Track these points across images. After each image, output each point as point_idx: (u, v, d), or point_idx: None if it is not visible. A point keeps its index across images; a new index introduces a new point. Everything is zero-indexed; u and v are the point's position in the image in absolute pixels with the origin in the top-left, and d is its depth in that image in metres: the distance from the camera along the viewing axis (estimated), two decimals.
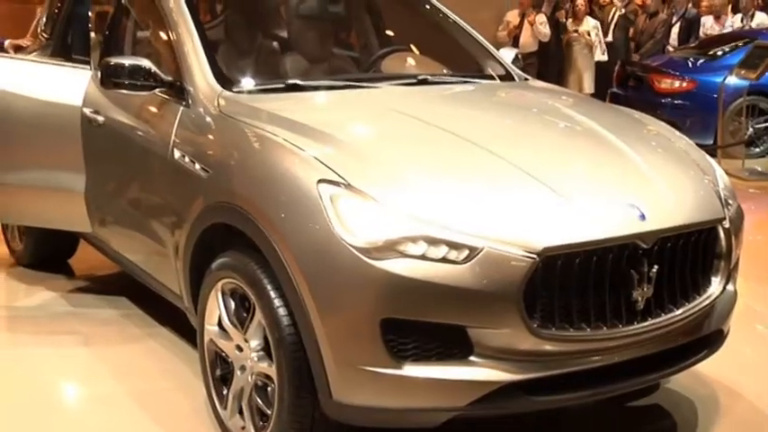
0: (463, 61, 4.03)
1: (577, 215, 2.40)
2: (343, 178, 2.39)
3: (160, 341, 3.65)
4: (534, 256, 2.25)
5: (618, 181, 2.66)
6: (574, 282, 2.32)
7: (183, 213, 2.97)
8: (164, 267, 3.24)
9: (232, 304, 2.73)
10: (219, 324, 2.79)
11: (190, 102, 3.07)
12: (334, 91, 3.29)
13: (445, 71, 3.87)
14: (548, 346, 2.32)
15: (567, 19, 9.61)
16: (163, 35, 3.51)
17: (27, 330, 3.83)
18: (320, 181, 2.39)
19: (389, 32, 4.42)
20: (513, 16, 9.20)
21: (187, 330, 3.30)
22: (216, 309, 2.78)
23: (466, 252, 2.26)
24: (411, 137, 2.80)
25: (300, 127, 2.71)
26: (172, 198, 3.09)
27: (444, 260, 2.25)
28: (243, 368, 2.69)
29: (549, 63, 9.39)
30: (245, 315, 2.66)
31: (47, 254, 4.55)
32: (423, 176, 2.49)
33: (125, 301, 4.11)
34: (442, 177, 2.50)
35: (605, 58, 9.73)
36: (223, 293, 2.75)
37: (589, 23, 9.49)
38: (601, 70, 9.70)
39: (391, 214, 2.31)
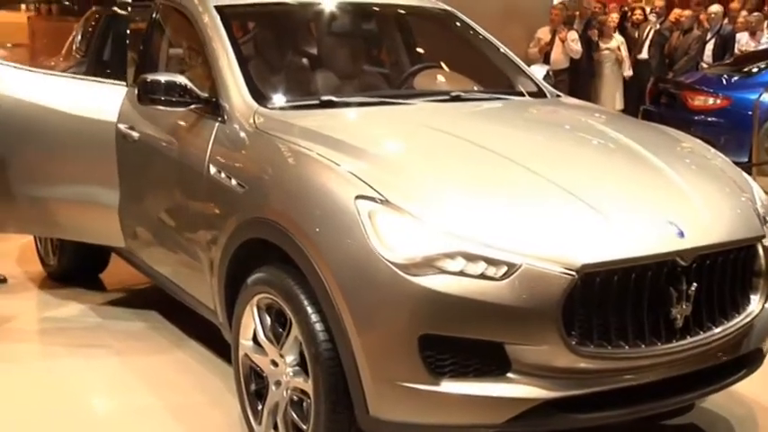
0: (495, 78, 4.08)
1: (616, 232, 2.42)
2: (380, 194, 2.43)
3: (192, 355, 3.71)
4: (573, 272, 2.28)
5: (656, 198, 2.69)
6: (612, 299, 2.34)
7: (218, 228, 3.02)
8: (198, 282, 3.29)
9: (268, 319, 2.77)
10: (254, 339, 2.83)
11: (225, 118, 3.13)
12: (368, 107, 3.36)
13: (478, 88, 3.92)
14: (586, 364, 2.34)
15: (597, 38, 9.65)
16: (199, 52, 3.60)
17: (60, 343, 3.89)
18: (358, 197, 2.43)
19: (421, 50, 4.47)
20: (544, 33, 9.25)
21: (219, 345, 3.36)
22: (251, 324, 2.83)
23: (504, 268, 2.29)
24: (447, 153, 2.84)
25: (337, 143, 2.76)
26: (207, 213, 3.14)
27: (483, 276, 2.28)
28: (278, 383, 2.73)
29: (581, 80, 9.42)
30: (280, 330, 2.70)
31: (79, 269, 4.63)
32: (460, 192, 2.52)
33: (156, 314, 4.18)
34: (480, 193, 2.54)
35: (630, 72, 9.75)
36: (258, 308, 2.79)
37: (617, 39, 9.53)
38: (628, 87, 9.72)
39: (429, 230, 2.34)
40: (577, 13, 10.07)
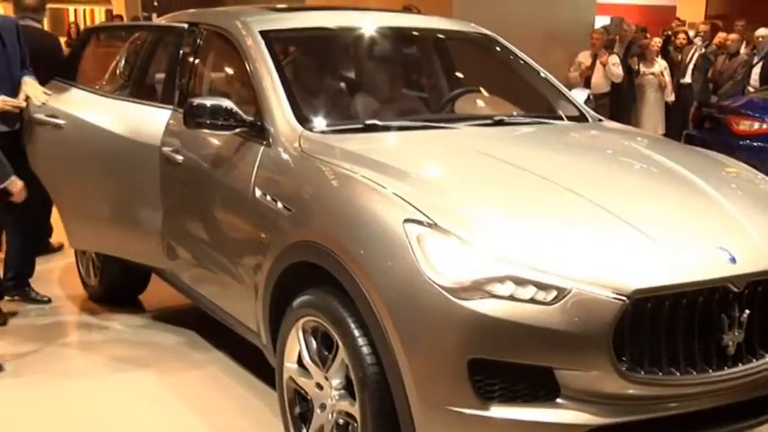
0: (536, 102, 4.13)
1: (667, 257, 2.44)
2: (429, 218, 2.48)
3: (233, 377, 3.77)
4: (624, 298, 2.30)
5: (705, 223, 2.71)
6: (663, 325, 2.36)
7: (263, 251, 3.07)
8: (241, 304, 3.35)
9: (313, 342, 2.82)
10: (299, 362, 2.88)
11: (271, 141, 3.21)
12: (412, 131, 3.40)
13: (520, 112, 3.97)
14: (635, 390, 2.35)
15: (639, 64, 9.66)
16: (243, 75, 3.69)
17: (101, 363, 3.97)
18: (406, 220, 2.48)
19: (462, 74, 4.53)
20: (585, 57, 9.27)
21: (261, 367, 3.41)
22: (296, 346, 2.88)
23: (554, 293, 2.32)
24: (493, 177, 2.88)
25: (383, 166, 2.82)
26: (252, 236, 3.20)
27: (532, 301, 2.31)
28: (323, 406, 2.77)
29: (622, 104, 9.42)
30: (326, 353, 2.75)
31: (119, 289, 4.74)
32: (508, 216, 2.56)
33: (195, 335, 4.27)
34: (528, 217, 2.58)
35: (673, 98, 9.73)
36: (304, 331, 2.84)
37: (660, 64, 9.53)
38: (670, 111, 9.70)
39: (478, 254, 2.38)
40: (617, 36, 10.09)
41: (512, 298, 2.32)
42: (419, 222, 2.47)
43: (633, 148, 3.51)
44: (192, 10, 4.67)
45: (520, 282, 2.33)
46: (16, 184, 4.04)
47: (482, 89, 4.26)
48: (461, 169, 3.01)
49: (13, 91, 4.34)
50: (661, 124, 9.62)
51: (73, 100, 4.35)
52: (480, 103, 4.22)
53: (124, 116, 4.13)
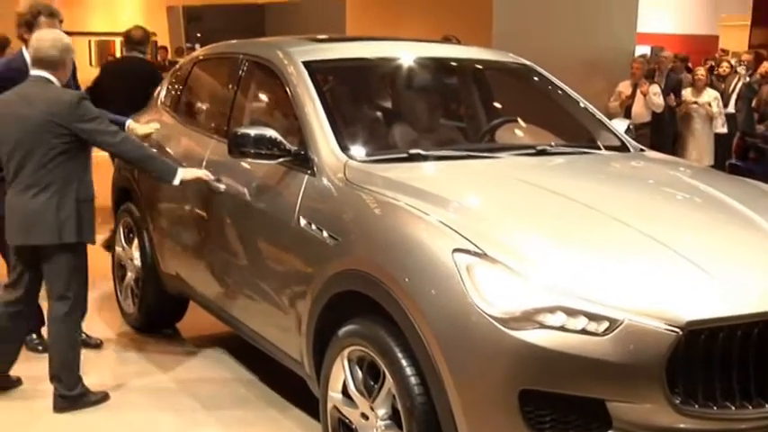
0: (577, 132, 4.17)
1: (720, 289, 2.46)
2: (478, 247, 2.52)
3: (274, 405, 3.82)
4: (677, 329, 2.32)
5: (757, 254, 2.72)
6: (718, 358, 2.37)
7: (308, 280, 3.12)
8: (283, 333, 3.40)
9: (359, 372, 2.86)
10: (344, 391, 2.92)
11: (315, 170, 3.27)
12: (456, 161, 3.45)
13: (561, 142, 3.99)
14: (689, 424, 2.36)
15: (675, 94, 9.65)
16: (285, 106, 3.77)
17: (140, 390, 4.04)
18: (455, 250, 2.52)
19: (502, 103, 4.58)
20: (625, 87, 9.29)
21: (299, 395, 3.44)
22: (341, 376, 2.92)
23: (606, 324, 2.34)
24: (540, 206, 2.92)
25: (431, 195, 2.87)
26: (296, 265, 3.25)
27: (584, 332, 2.34)
28: None
29: (663, 134, 9.41)
30: (372, 383, 2.79)
31: (157, 317, 4.81)
32: (557, 246, 2.60)
33: (235, 363, 4.33)
34: (577, 247, 2.61)
35: (725, 130, 9.68)
36: (349, 360, 2.88)
37: (710, 94, 9.51)
38: (719, 142, 9.65)
39: (528, 284, 2.42)
40: (657, 66, 10.11)
41: (563, 329, 2.34)
42: (468, 252, 2.52)
43: (678, 178, 3.54)
44: (233, 41, 4.79)
45: (571, 312, 2.36)
46: None
47: (522, 119, 4.31)
48: (507, 198, 3.05)
49: None
50: (708, 155, 9.53)
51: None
52: (521, 132, 4.27)
53: (180, 143, 4.32)
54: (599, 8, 10.06)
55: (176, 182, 3.83)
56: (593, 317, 2.35)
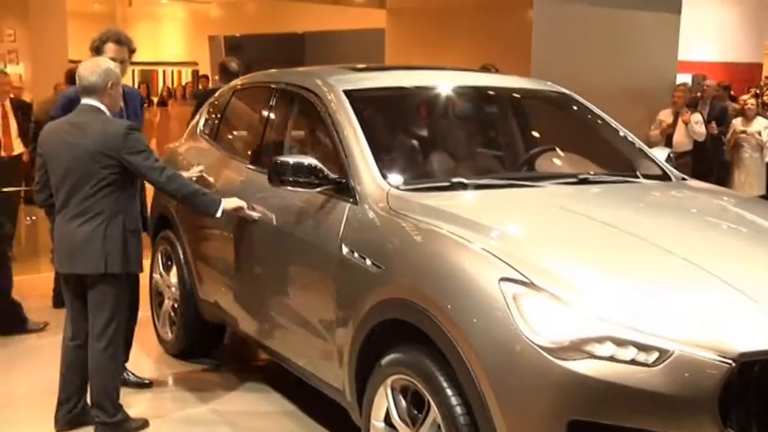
0: (618, 161, 4.16)
1: None
2: (525, 276, 2.52)
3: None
4: (730, 361, 2.29)
5: None
6: None
7: (351, 308, 3.13)
8: (324, 362, 3.40)
9: (402, 401, 2.86)
10: (387, 420, 2.92)
11: (357, 199, 3.29)
12: (498, 189, 3.44)
13: (602, 171, 3.98)
14: None
15: (719, 124, 9.56)
16: (323, 134, 3.81)
17: (179, 421, 4.07)
18: (502, 279, 2.52)
19: (542, 132, 4.58)
20: (666, 115, 9.24)
21: (344, 426, 3.44)
22: (384, 405, 2.92)
23: (656, 355, 2.32)
24: (586, 235, 2.92)
25: (474, 224, 2.87)
26: (339, 293, 3.25)
27: (633, 362, 2.32)
28: None
29: (705, 163, 9.33)
30: (416, 412, 2.79)
31: (195, 344, 4.84)
32: (604, 275, 2.59)
33: (272, 392, 4.34)
34: (624, 276, 2.60)
35: None
36: (393, 389, 2.88)
37: (760, 123, 9.40)
38: None
39: (576, 314, 2.41)
40: (700, 94, 10.04)
41: (612, 359, 2.33)
42: (515, 281, 2.52)
43: (722, 207, 3.52)
44: (272, 71, 4.84)
45: (620, 342, 2.34)
46: None
47: (562, 148, 4.30)
48: (551, 227, 3.04)
49: None
50: (759, 185, 9.40)
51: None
52: (561, 161, 4.26)
53: (219, 172, 4.39)
54: (640, 36, 10.07)
55: (219, 214, 3.85)
56: (642, 347, 2.34)
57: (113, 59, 4.03)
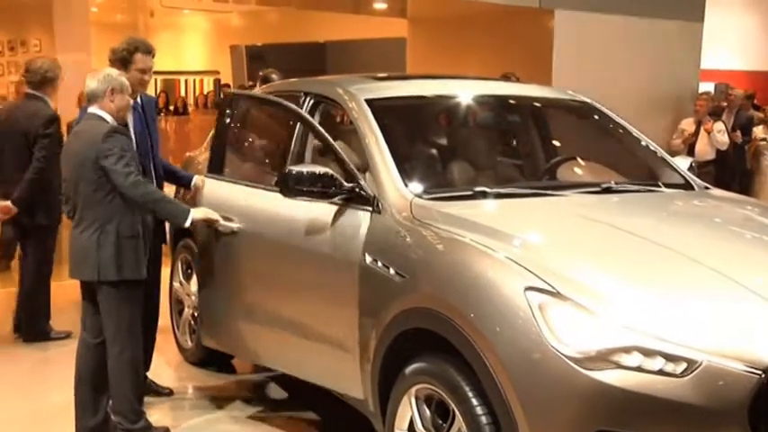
0: (640, 170, 4.14)
1: None
2: (551, 286, 2.50)
3: None
4: (759, 372, 2.27)
5: None
6: None
7: (374, 318, 3.11)
8: (345, 373, 3.34)
9: (427, 410, 2.84)
10: (410, 429, 2.90)
11: (380, 208, 3.27)
12: (522, 198, 3.42)
13: (624, 180, 3.93)
14: None
15: (744, 133, 9.47)
16: (347, 144, 3.80)
17: (199, 429, 4.08)
18: (528, 288, 2.51)
19: (564, 141, 4.57)
20: (688, 124, 9.18)
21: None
22: (407, 414, 2.91)
23: (684, 365, 2.30)
24: (610, 244, 2.89)
25: (499, 233, 2.86)
26: (361, 303, 3.21)
27: (661, 372, 2.30)
28: None
29: (728, 172, 9.25)
30: (440, 421, 2.77)
31: (215, 352, 4.81)
32: (631, 285, 2.57)
33: (291, 400, 4.36)
34: (651, 286, 2.58)
35: None
36: (417, 398, 2.87)
37: None
38: None
39: (603, 323, 2.39)
40: (726, 103, 9.95)
41: (640, 369, 2.31)
42: (541, 290, 2.50)
43: (746, 216, 3.49)
44: (293, 80, 4.85)
45: (647, 353, 2.33)
46: None
47: (583, 157, 4.28)
48: (576, 236, 3.03)
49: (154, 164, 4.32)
50: None
51: None
52: (584, 170, 4.24)
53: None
54: (663, 45, 10.02)
55: (187, 224, 3.76)
56: (670, 357, 2.32)
57: (143, 70, 4.04)
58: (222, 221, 3.90)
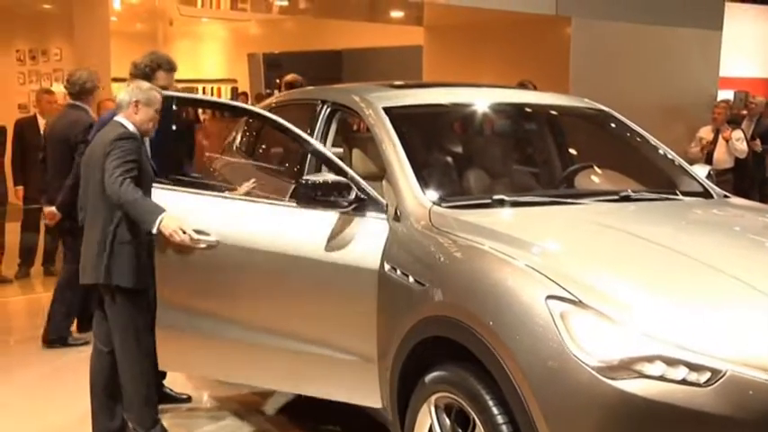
0: (658, 178, 4.11)
1: None
2: (572, 294, 2.48)
3: None
4: None
5: None
6: None
7: (392, 327, 3.08)
8: (362, 383, 3.29)
9: (446, 419, 2.83)
10: None
11: (398, 215, 3.25)
12: (541, 207, 3.40)
13: (642, 188, 3.88)
14: None
15: (764, 142, 9.39)
16: (363, 151, 3.79)
17: None
18: (549, 297, 2.49)
19: (580, 149, 4.56)
20: (706, 132, 9.11)
21: None
22: (427, 422, 2.89)
23: (707, 374, 2.28)
24: (630, 253, 2.87)
25: (519, 242, 2.84)
26: (379, 312, 3.18)
27: (684, 382, 2.28)
28: None
29: (747, 180, 9.18)
30: (459, 430, 2.75)
31: None
32: (652, 293, 2.54)
33: (309, 406, 4.23)
34: (673, 295, 2.55)
35: None
36: (436, 407, 2.86)
37: None
38: None
39: (625, 332, 2.37)
40: (746, 111, 9.88)
41: (663, 378, 2.29)
42: (562, 299, 2.48)
43: (767, 224, 3.46)
44: (309, 87, 4.86)
45: (670, 362, 2.30)
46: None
47: (601, 165, 4.25)
48: (596, 244, 3.00)
49: None
50: None
51: None
52: (601, 179, 4.22)
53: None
54: (681, 53, 9.98)
55: (154, 231, 3.44)
56: (693, 367, 2.30)
57: (164, 87, 4.01)
58: (195, 236, 3.44)
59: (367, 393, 3.32)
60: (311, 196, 3.25)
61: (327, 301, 3.36)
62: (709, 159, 8.90)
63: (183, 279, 3.63)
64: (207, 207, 3.63)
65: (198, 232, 3.47)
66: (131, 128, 3.68)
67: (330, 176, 3.33)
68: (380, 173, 3.75)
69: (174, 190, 3.66)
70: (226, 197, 3.76)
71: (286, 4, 9.91)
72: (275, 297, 3.51)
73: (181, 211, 3.53)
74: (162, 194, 3.59)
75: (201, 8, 12.29)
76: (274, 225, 3.48)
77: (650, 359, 2.31)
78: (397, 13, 10.09)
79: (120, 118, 3.72)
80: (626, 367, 2.31)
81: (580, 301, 2.46)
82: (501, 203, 3.35)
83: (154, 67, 4.11)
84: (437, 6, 8.80)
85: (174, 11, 14.06)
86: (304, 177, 3.37)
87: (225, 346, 3.62)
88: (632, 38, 9.50)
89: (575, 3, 9.11)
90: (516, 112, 4.40)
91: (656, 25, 9.61)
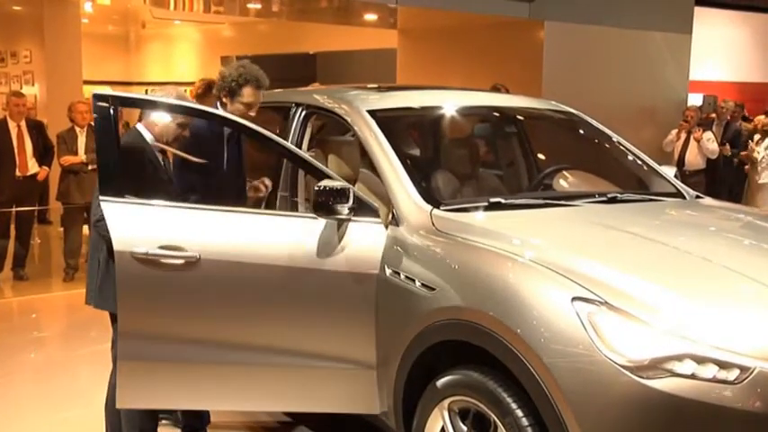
0: (631, 179, 4.11)
1: None
2: (597, 295, 2.43)
3: None
4: None
5: None
6: None
7: (396, 332, 2.98)
8: (362, 391, 3.17)
9: (461, 424, 2.75)
10: None
11: (397, 220, 3.13)
12: (537, 209, 3.33)
13: (622, 190, 3.83)
14: None
15: (732, 146, 9.43)
16: (349, 155, 3.69)
17: None
18: (575, 299, 2.43)
19: (556, 152, 4.56)
20: (676, 135, 9.17)
21: None
22: (437, 426, 2.82)
23: (736, 372, 2.25)
24: (642, 253, 2.83)
25: (534, 244, 2.79)
26: (381, 319, 3.07)
27: (714, 380, 2.25)
28: None
29: (720, 181, 9.21)
30: None
31: None
32: (674, 292, 2.50)
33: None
34: (693, 293, 2.52)
35: None
36: (450, 411, 2.78)
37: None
38: None
39: (654, 332, 2.33)
40: (715, 114, 9.92)
41: (693, 377, 2.26)
42: (588, 300, 2.43)
43: (751, 224, 3.47)
44: (280, 90, 4.60)
45: (700, 360, 2.27)
46: None
47: (577, 167, 4.21)
48: (607, 245, 2.95)
49: None
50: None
51: None
52: (586, 180, 4.16)
53: None
54: (652, 56, 10.03)
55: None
56: (723, 365, 2.27)
57: (249, 105, 3.72)
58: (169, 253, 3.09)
59: (365, 401, 3.21)
60: (328, 204, 3.05)
61: (323, 310, 3.17)
62: (681, 162, 8.93)
63: (153, 302, 3.15)
64: (184, 219, 3.19)
65: (174, 248, 3.10)
66: (149, 137, 3.49)
67: (335, 183, 3.11)
68: (354, 176, 3.70)
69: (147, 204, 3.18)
70: (204, 208, 3.25)
71: (260, 6, 9.74)
72: (265, 312, 3.20)
73: (156, 224, 3.13)
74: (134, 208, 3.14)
75: (174, 11, 12.06)
76: (260, 235, 3.19)
77: (680, 358, 2.28)
78: (371, 17, 9.98)
79: (140, 126, 3.54)
80: (657, 366, 2.28)
81: (606, 302, 2.42)
82: (498, 206, 3.27)
83: (242, 83, 3.73)
84: (411, 10, 8.70)
85: (147, 13, 13.82)
86: (318, 184, 3.09)
87: (204, 371, 3.22)
88: (604, 41, 9.51)
89: (548, 6, 9.08)
90: (499, 116, 4.41)
91: (628, 29, 9.64)
